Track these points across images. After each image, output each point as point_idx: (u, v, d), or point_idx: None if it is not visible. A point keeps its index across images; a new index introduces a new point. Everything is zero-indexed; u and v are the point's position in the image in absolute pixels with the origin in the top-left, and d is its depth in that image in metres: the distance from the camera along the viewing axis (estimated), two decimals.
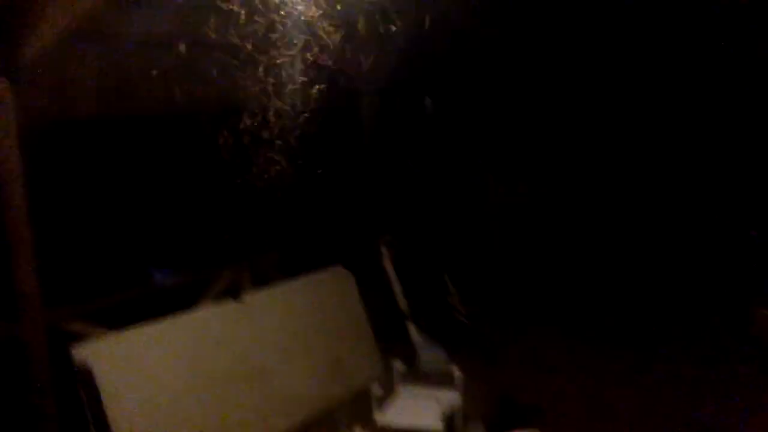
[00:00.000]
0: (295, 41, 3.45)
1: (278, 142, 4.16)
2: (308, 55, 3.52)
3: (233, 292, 4.53)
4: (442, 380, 3.86)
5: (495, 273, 6.97)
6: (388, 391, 3.79)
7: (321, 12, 3.29)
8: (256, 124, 3.97)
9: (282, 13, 3.30)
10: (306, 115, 3.95)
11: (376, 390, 3.74)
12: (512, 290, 6.78)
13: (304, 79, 3.75)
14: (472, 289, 6.43)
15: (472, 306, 6.18)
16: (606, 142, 7.41)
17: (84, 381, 3.39)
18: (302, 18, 3.32)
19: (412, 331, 5.70)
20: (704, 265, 6.74)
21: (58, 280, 3.59)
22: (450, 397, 3.65)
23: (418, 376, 4.01)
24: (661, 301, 6.61)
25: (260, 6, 3.26)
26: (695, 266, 6.78)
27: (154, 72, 4.10)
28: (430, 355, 3.98)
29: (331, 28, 3.39)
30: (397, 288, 5.93)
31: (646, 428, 4.11)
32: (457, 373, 3.80)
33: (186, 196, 4.91)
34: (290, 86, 3.73)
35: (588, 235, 7.41)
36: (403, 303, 5.88)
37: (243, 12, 3.28)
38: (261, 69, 3.58)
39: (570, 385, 4.93)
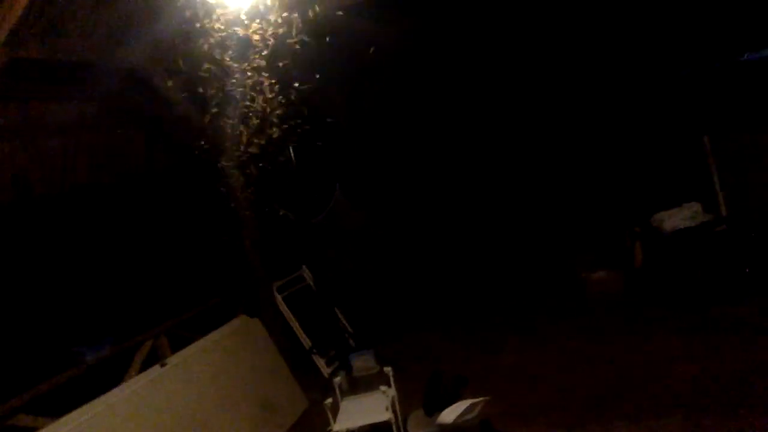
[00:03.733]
0: None
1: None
2: None
3: (157, 358, 4.67)
4: (377, 380, 4.39)
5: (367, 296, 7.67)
6: (336, 407, 4.25)
7: None
8: None
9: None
10: None
11: (327, 408, 4.18)
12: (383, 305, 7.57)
13: None
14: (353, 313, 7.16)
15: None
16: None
17: None
18: None
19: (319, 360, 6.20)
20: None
21: None
22: (388, 392, 4.22)
23: (355, 384, 4.49)
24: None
25: None
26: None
27: None
28: (360, 362, 4.48)
29: None
30: (295, 326, 6.40)
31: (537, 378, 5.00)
32: (386, 369, 4.38)
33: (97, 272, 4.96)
34: None
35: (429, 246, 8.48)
36: (303, 337, 6.36)
37: None
38: None
39: (463, 359, 5.82)
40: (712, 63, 7.55)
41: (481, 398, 4.06)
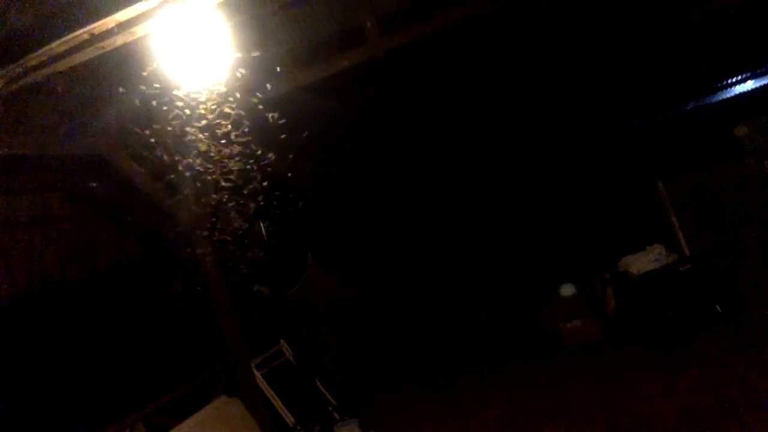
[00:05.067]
0: None
1: None
2: None
3: None
4: None
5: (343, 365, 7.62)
6: None
7: None
8: None
9: None
10: None
11: None
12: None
13: None
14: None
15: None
16: None
17: None
18: None
19: None
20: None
21: None
22: None
23: None
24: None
25: None
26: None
27: None
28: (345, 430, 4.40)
29: None
30: (277, 403, 6.26)
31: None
32: None
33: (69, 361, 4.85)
34: None
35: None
36: (286, 414, 6.21)
37: None
38: None
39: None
40: (660, 112, 8.03)
41: None
